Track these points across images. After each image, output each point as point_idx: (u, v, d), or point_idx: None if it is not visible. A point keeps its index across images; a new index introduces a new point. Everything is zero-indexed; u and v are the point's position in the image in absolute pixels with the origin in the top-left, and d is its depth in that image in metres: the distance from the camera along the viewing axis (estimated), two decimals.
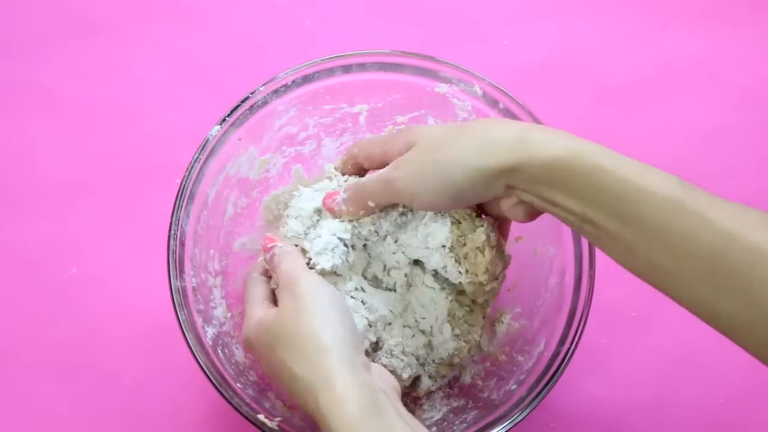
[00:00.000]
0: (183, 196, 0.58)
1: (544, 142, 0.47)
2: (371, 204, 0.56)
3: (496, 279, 0.58)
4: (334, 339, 0.49)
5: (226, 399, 0.55)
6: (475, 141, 0.49)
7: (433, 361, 0.60)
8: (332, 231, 0.57)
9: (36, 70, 0.73)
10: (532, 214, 0.51)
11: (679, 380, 0.70)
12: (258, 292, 0.57)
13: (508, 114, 0.60)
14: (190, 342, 0.56)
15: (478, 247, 0.56)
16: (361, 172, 0.61)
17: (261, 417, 0.55)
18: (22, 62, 0.73)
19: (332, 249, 0.56)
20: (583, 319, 0.57)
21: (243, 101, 0.59)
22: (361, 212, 0.56)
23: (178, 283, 0.57)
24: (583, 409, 0.69)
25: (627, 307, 0.71)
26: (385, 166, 0.55)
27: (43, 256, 0.69)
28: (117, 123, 0.72)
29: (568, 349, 0.57)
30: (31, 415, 0.67)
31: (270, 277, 0.58)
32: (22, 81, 0.73)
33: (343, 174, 0.61)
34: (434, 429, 0.60)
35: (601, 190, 0.45)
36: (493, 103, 0.61)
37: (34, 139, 0.72)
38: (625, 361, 0.70)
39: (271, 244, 0.57)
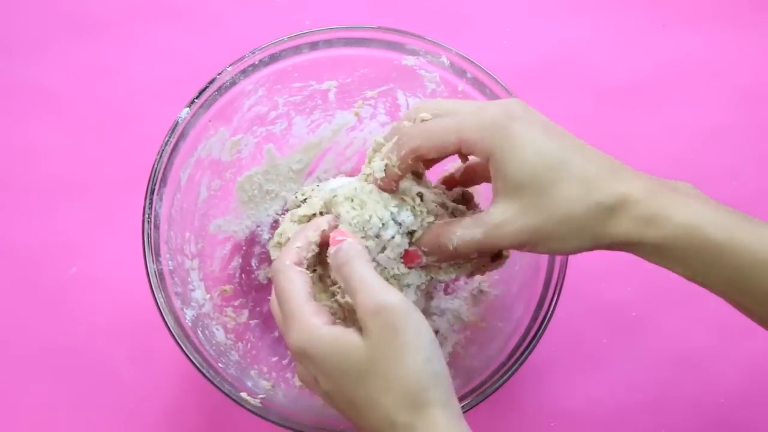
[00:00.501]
0: (155, 180, 0.58)
1: (659, 219, 0.45)
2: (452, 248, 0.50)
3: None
4: (437, 384, 0.44)
5: (208, 379, 0.56)
6: (581, 196, 0.46)
7: None
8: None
9: (36, 70, 0.73)
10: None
11: (679, 380, 0.70)
12: (300, 288, 0.49)
13: (477, 83, 0.60)
14: (168, 324, 0.56)
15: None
16: (417, 165, 0.53)
17: (243, 395, 0.55)
18: (22, 62, 0.73)
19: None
20: (560, 281, 0.58)
21: (211, 82, 0.59)
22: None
23: (155, 267, 0.57)
24: (583, 409, 0.69)
25: (627, 307, 0.71)
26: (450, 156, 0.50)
27: (43, 256, 0.69)
28: (117, 123, 0.72)
29: (546, 312, 0.57)
30: (30, 414, 0.67)
31: (308, 267, 0.52)
32: (22, 81, 0.73)
33: (400, 172, 0.51)
34: None
35: (718, 265, 0.45)
36: (461, 73, 0.61)
37: (34, 139, 0.72)
38: (625, 361, 0.70)
39: (340, 237, 0.50)
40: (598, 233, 0.46)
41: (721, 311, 0.72)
